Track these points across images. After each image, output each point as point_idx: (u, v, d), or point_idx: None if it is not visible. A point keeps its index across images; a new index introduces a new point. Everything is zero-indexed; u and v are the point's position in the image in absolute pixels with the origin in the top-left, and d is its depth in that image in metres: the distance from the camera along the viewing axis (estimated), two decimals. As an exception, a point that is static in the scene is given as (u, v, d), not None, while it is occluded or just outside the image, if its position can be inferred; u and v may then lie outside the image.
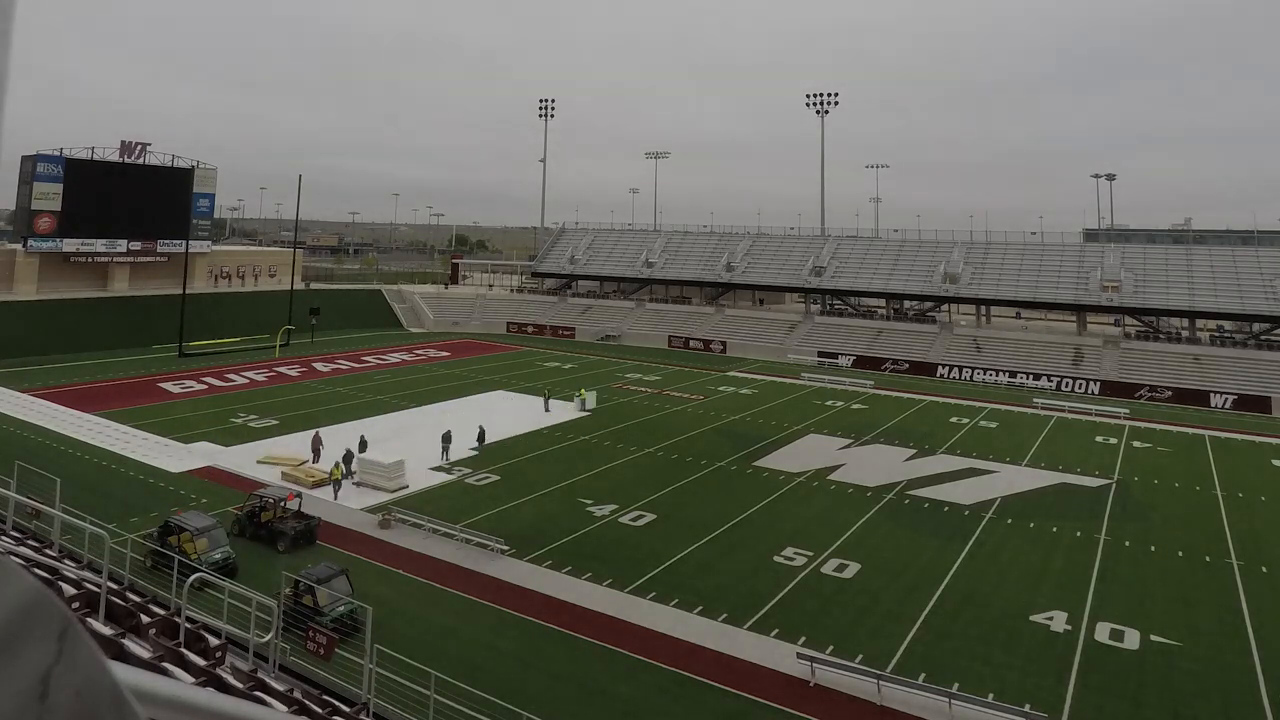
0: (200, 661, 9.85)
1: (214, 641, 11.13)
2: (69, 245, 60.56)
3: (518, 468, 31.85)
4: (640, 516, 26.64)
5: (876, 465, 33.74)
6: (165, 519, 22.29)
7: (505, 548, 22.91)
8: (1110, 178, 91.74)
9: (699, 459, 33.82)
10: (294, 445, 33.41)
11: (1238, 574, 23.51)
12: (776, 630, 19.17)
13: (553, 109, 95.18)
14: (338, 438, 33.99)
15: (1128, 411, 46.35)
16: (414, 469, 29.91)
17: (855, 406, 46.42)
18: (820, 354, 63.45)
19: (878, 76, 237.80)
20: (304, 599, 18.00)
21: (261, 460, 31.18)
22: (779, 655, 17.92)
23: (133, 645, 8.98)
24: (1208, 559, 24.66)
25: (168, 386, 44.73)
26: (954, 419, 43.78)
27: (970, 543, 25.23)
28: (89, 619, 9.65)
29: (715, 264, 78.00)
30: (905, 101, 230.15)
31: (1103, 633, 19.56)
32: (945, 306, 68.47)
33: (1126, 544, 25.61)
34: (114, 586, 11.74)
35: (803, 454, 35.23)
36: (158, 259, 66.03)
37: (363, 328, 71.14)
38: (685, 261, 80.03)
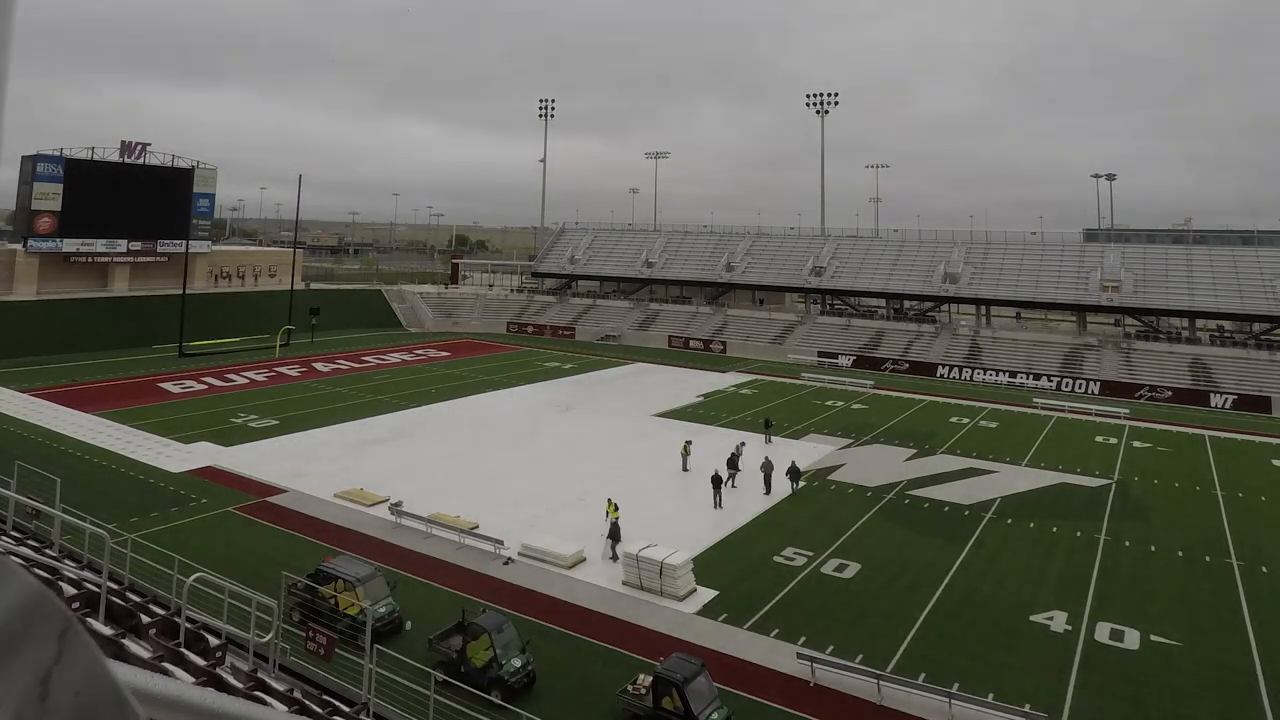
0: (200, 661, 9.84)
1: (214, 641, 11.11)
2: (69, 245, 60.55)
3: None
4: (640, 516, 26.58)
5: (876, 465, 33.74)
6: (316, 567, 19.46)
7: (511, 556, 22.87)
8: (1110, 178, 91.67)
9: (699, 459, 33.76)
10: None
11: (1238, 574, 23.51)
12: (776, 630, 19.17)
13: (553, 109, 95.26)
14: (372, 437, 33.95)
15: (1128, 411, 46.34)
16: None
17: (855, 406, 46.42)
18: (820, 354, 63.42)
19: (879, 76, 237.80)
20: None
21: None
22: (779, 655, 17.93)
23: (133, 645, 8.98)
24: (1208, 559, 24.65)
25: (168, 386, 44.73)
26: (954, 419, 43.77)
27: (970, 543, 25.22)
28: (89, 619, 9.65)
29: (715, 264, 77.99)
30: (905, 101, 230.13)
31: (1103, 633, 19.57)
32: (945, 306, 68.46)
33: (1126, 544, 25.61)
34: (114, 586, 11.74)
35: (803, 454, 35.20)
36: (158, 259, 66.02)
37: (363, 328, 71.13)
38: (685, 261, 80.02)
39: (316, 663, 14.93)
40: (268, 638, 12.23)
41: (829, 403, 47.08)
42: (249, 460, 31.19)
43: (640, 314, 76.11)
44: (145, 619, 10.70)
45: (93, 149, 62.07)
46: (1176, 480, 33.31)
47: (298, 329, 60.49)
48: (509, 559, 22.62)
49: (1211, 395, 51.02)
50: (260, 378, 48.34)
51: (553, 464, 32.34)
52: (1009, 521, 27.36)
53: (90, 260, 62.42)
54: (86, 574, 11.96)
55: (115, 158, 63.06)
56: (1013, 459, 35.58)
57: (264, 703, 8.77)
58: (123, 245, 63.68)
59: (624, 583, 21.29)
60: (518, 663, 16.39)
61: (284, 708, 9.16)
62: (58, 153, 59.91)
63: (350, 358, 56.83)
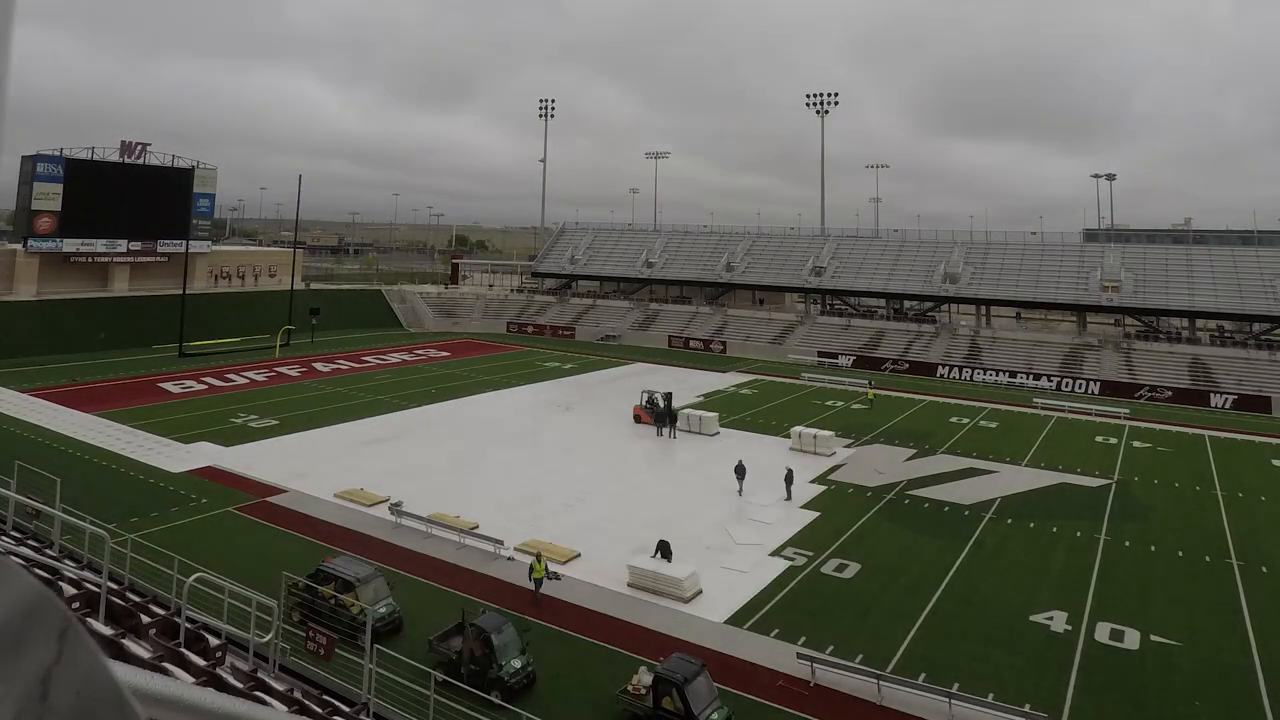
0: (200, 661, 9.83)
1: (214, 641, 11.11)
2: (69, 245, 60.52)
3: (518, 468, 31.80)
4: (640, 516, 26.56)
5: (876, 465, 33.74)
6: (316, 567, 19.41)
7: (509, 553, 22.86)
8: (1110, 178, 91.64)
9: (699, 459, 33.74)
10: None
11: (1238, 574, 23.51)
12: (776, 630, 19.17)
13: (553, 109, 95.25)
14: (343, 438, 33.99)
15: (1128, 411, 46.34)
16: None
17: (855, 406, 46.41)
18: (820, 354, 63.42)
19: (879, 77, 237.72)
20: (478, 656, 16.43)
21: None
22: (779, 655, 17.93)
23: (133, 645, 8.97)
24: (1208, 559, 24.66)
25: (168, 386, 44.72)
26: (954, 419, 43.77)
27: (970, 543, 25.22)
28: (89, 619, 9.65)
29: (715, 264, 77.99)
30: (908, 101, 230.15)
31: (1103, 633, 19.57)
32: (945, 306, 68.47)
33: (1126, 544, 25.61)
34: (114, 586, 11.74)
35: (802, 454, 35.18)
36: (158, 259, 66.00)
37: (363, 328, 71.13)
38: (685, 261, 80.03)
39: (316, 663, 14.93)
40: (268, 638, 12.23)
41: (829, 403, 47.07)
42: (249, 460, 31.18)
43: (640, 314, 76.11)
44: (145, 619, 10.70)
45: (93, 149, 62.06)
46: (1176, 480, 33.30)
47: (298, 329, 60.49)
48: (556, 575, 21.45)
49: (1211, 395, 51.02)
50: (260, 378, 48.34)
51: (553, 464, 32.34)
52: (1009, 521, 27.36)
53: (90, 260, 62.39)
54: (86, 574, 11.96)
55: (115, 158, 63.05)
56: (1013, 459, 35.57)
57: (264, 703, 8.77)
58: (123, 245, 63.65)
59: (629, 584, 21.29)
60: (518, 663, 16.32)
61: (284, 708, 9.16)
62: (58, 152, 59.91)
63: (350, 358, 56.82)
